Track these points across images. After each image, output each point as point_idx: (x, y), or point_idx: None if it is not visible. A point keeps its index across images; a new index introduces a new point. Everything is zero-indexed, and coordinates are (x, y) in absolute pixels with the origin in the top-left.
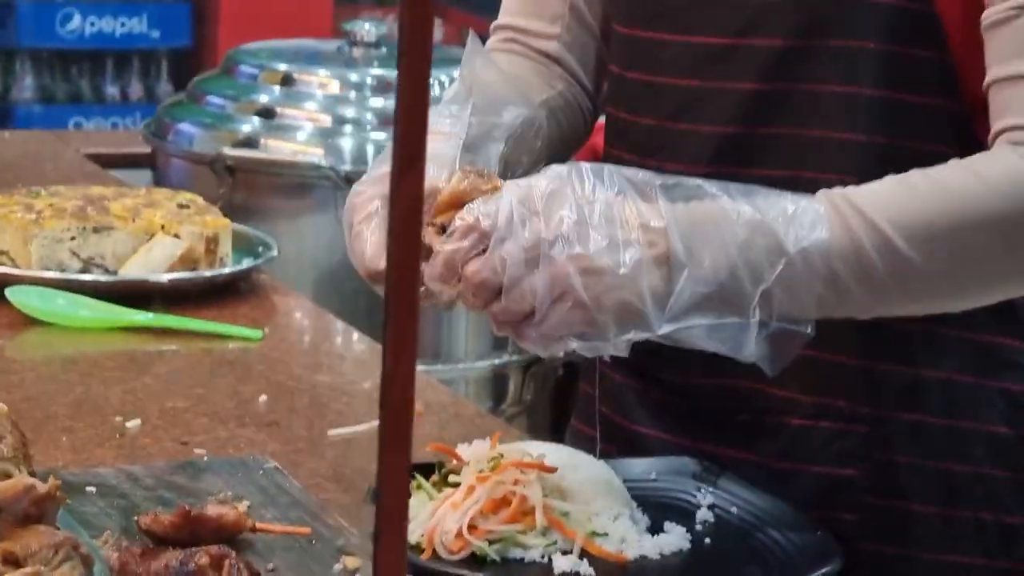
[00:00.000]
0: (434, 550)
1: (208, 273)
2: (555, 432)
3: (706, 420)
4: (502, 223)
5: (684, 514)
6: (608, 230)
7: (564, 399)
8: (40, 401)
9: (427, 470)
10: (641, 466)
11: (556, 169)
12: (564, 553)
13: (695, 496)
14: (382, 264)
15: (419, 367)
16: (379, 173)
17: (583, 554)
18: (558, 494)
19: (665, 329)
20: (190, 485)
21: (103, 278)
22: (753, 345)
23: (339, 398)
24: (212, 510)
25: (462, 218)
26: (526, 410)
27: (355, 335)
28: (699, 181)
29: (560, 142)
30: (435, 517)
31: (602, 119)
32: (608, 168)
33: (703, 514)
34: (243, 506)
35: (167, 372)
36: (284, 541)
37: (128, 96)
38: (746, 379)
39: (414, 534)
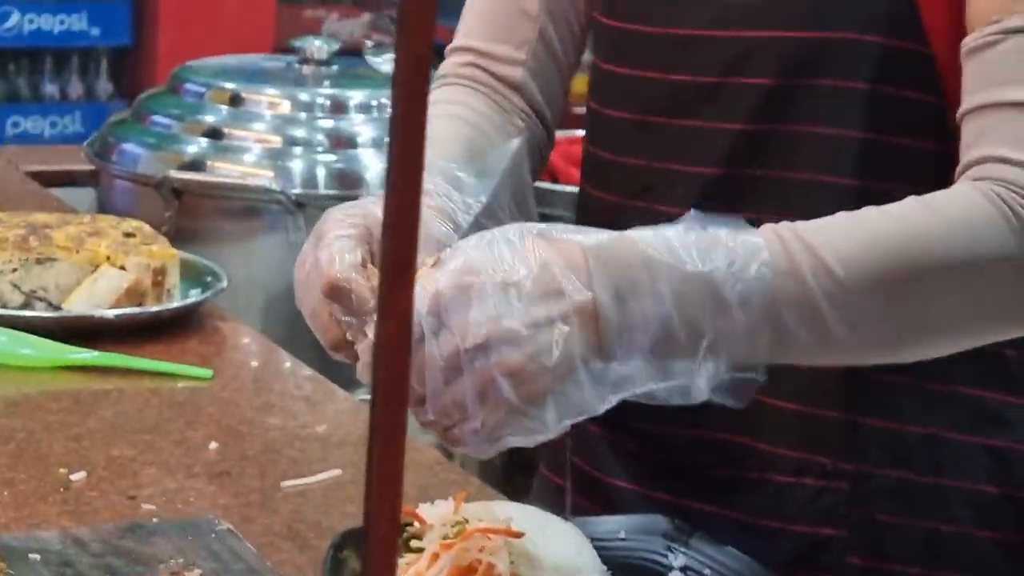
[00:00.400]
0: None
1: (155, 308)
2: (509, 458)
3: (682, 474)
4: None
5: None
6: (531, 314)
7: None
8: None
9: None
10: (609, 524)
11: (469, 254)
12: None
13: (666, 557)
14: (344, 274)
15: (369, 396)
16: (368, 201)
17: None
18: (526, 560)
19: (607, 406)
20: (139, 550)
21: (46, 314)
22: (705, 394)
23: (291, 443)
24: None
25: None
26: None
27: (306, 372)
28: (633, 236)
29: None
30: None
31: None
32: (531, 235)
33: None
34: (195, 574)
35: (113, 415)
36: None
37: (67, 95)
38: (725, 432)
39: None
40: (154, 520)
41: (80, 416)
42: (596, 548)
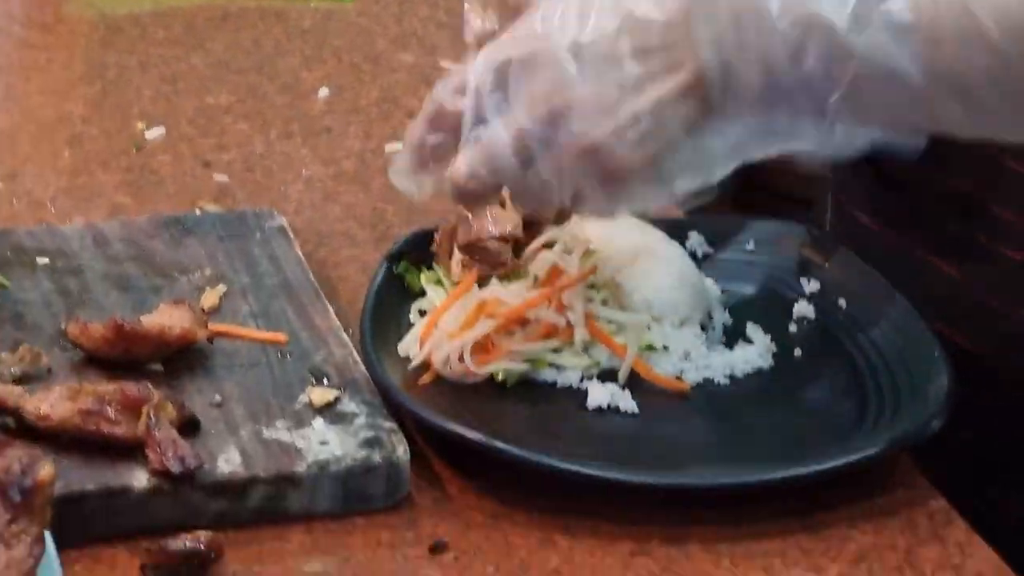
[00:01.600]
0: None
1: None
2: None
3: (913, 213)
4: (468, 117)
5: (778, 307)
6: (606, 80)
7: None
8: (61, 87)
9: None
10: (734, 225)
11: (539, 16)
12: (603, 380)
13: (797, 282)
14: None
15: None
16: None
17: (632, 378)
18: (610, 292)
19: (722, 174)
20: (165, 254)
21: None
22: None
23: (417, 88)
24: (156, 320)
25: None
26: None
27: None
28: None
29: None
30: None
31: None
32: None
33: (801, 308)
34: (217, 292)
35: (223, 48)
36: (250, 354)
37: None
38: (967, 186)
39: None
40: (198, 211)
41: (185, 49)
42: (718, 263)
